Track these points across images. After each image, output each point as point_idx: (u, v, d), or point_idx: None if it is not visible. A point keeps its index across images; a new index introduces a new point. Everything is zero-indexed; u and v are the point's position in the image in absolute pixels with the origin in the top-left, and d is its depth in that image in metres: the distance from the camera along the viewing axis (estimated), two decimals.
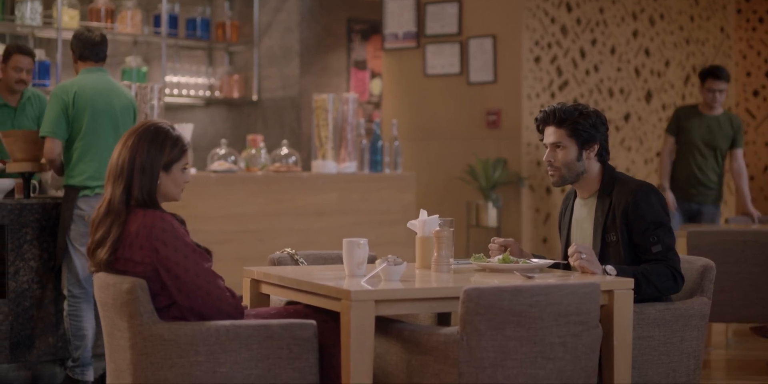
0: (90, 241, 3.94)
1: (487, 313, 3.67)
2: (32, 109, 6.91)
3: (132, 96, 6.38)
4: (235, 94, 10.30)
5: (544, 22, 9.17)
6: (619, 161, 9.52)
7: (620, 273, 4.24)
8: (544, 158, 4.56)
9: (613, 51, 9.62)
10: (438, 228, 4.37)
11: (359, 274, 4.12)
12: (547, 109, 4.54)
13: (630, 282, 4.13)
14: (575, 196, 4.68)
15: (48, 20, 8.81)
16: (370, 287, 3.89)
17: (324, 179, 7.81)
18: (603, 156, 4.55)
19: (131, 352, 3.80)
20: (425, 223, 4.46)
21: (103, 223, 3.90)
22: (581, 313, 3.80)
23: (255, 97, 10.36)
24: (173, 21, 9.75)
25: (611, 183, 4.51)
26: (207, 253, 3.97)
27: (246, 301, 4.54)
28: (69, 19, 8.85)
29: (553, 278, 4.16)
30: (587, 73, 9.45)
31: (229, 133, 10.37)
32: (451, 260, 4.45)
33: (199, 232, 7.12)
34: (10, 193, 6.35)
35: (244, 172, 7.67)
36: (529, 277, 4.11)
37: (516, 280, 4.07)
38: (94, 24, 9.04)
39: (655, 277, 4.31)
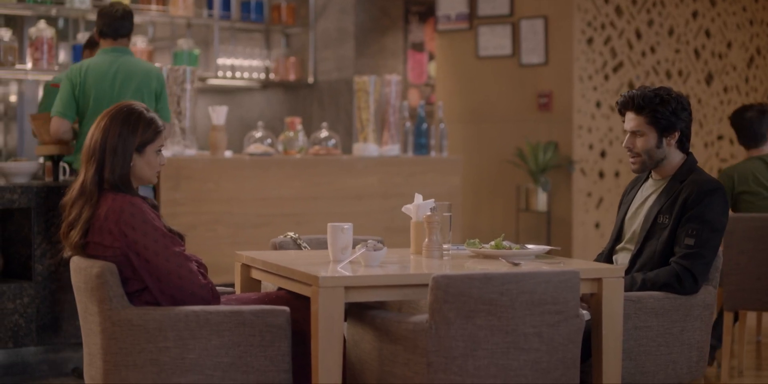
0: (63, 224, 3.90)
1: (456, 301, 3.56)
2: None
3: (154, 78, 6.25)
4: (291, 77, 10.24)
5: (597, 2, 8.97)
6: None
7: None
8: (623, 144, 4.48)
9: (671, 32, 9.38)
10: (429, 213, 4.26)
11: (343, 260, 4.04)
12: (627, 94, 4.45)
13: (620, 269, 4.00)
14: (646, 178, 4.58)
15: (98, 3, 8.81)
16: (346, 273, 3.80)
17: (364, 162, 7.72)
18: (684, 143, 4.45)
19: (101, 337, 3.77)
20: (419, 208, 4.35)
21: (75, 205, 3.87)
22: (558, 302, 3.67)
23: (311, 80, 10.29)
24: (226, 3, 9.72)
25: (688, 172, 4.41)
26: (180, 238, 3.91)
27: (237, 287, 4.48)
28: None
29: (545, 265, 4.03)
30: (643, 54, 9.23)
31: (286, 115, 10.31)
32: (447, 246, 4.35)
33: (233, 215, 7.11)
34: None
35: (281, 155, 7.60)
36: (515, 264, 3.99)
37: (502, 267, 3.95)
38: (144, 7, 9.04)
39: (655, 277, 4.20)
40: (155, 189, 6.51)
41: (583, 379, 4.09)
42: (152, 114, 3.95)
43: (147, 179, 3.95)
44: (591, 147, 8.96)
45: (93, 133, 3.90)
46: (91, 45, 7.05)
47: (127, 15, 6.25)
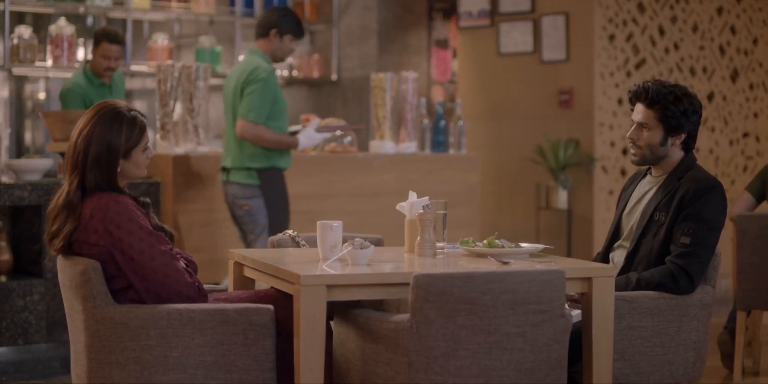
0: (47, 231, 3.88)
1: (437, 301, 3.52)
2: (122, 84, 7.42)
3: (244, 74, 6.42)
4: (315, 74, 10.21)
5: None
6: (702, 142, 9.19)
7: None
8: (627, 134, 4.41)
9: (695, 28, 9.28)
10: (422, 210, 4.22)
11: (331, 258, 4.01)
12: (641, 84, 4.37)
13: (611, 269, 3.94)
14: (644, 175, 4.52)
15: (118, 0, 8.82)
16: (330, 271, 3.76)
17: (381, 159, 7.68)
18: (689, 144, 4.39)
19: (85, 335, 3.76)
20: (413, 206, 4.31)
21: (58, 218, 3.82)
22: (541, 301, 3.62)
23: (334, 77, 10.26)
24: (249, 0, 9.69)
25: (686, 169, 4.35)
26: (169, 236, 3.87)
27: (230, 285, 4.46)
28: (140, 0, 8.85)
29: (537, 264, 3.98)
30: (666, 51, 9.13)
31: (310, 113, 10.29)
32: (442, 244, 4.31)
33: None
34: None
35: (296, 152, 7.56)
36: (505, 263, 3.94)
37: (492, 266, 3.90)
38: (166, 4, 9.04)
39: (650, 277, 4.14)
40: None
41: (577, 379, 4.05)
42: (133, 113, 3.85)
43: (136, 176, 3.91)
44: (612, 144, 8.88)
45: (76, 141, 3.80)
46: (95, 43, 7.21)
47: (262, 17, 6.60)
